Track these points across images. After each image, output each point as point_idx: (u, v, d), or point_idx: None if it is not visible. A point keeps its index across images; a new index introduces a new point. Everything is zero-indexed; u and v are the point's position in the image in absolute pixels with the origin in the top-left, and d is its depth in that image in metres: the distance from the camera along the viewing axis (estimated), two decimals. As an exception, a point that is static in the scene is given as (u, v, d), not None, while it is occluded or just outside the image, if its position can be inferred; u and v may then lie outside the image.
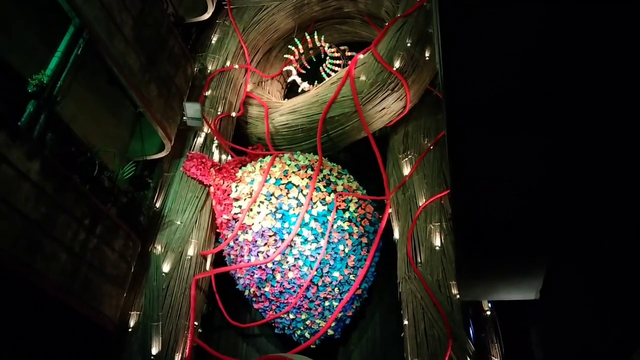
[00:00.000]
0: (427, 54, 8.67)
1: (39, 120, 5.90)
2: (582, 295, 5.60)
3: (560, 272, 5.51)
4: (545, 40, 3.42)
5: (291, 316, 7.74)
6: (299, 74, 10.38)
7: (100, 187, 6.84)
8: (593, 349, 5.51)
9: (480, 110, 3.87)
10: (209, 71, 9.55)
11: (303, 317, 7.71)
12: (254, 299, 7.98)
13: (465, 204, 4.75)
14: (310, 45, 10.45)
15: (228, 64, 9.74)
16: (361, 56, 9.03)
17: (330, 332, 7.67)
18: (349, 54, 10.10)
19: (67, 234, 6.16)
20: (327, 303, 7.67)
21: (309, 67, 10.67)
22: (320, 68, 10.31)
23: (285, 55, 10.54)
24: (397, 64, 8.54)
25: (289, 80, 10.47)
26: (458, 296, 6.81)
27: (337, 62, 10.21)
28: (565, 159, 4.19)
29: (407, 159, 8.52)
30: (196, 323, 7.53)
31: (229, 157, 9.05)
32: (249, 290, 7.93)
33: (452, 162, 4.41)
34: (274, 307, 7.82)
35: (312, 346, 7.62)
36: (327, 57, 10.32)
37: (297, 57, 10.45)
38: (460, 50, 3.59)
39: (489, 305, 7.17)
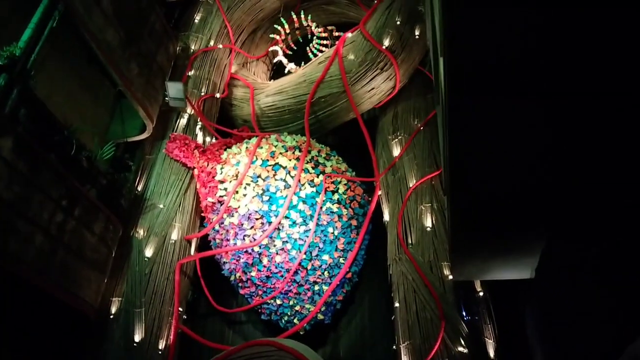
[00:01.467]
0: (417, 33, 8.47)
1: (11, 95, 5.57)
2: (580, 274, 5.46)
3: (556, 250, 5.37)
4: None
5: (278, 302, 7.52)
6: (285, 55, 10.10)
7: (78, 168, 6.52)
8: (592, 332, 5.38)
9: (481, 76, 3.66)
10: (192, 51, 9.24)
11: (291, 302, 7.50)
12: (239, 284, 7.74)
13: (460, 174, 4.56)
14: (296, 25, 10.18)
15: (212, 43, 9.44)
16: (349, 35, 8.80)
17: (320, 316, 7.47)
18: (337, 34, 9.84)
19: (43, 216, 5.85)
20: (316, 287, 7.46)
21: (295, 48, 10.41)
22: (308, 48, 10.05)
23: (271, 35, 10.26)
24: (386, 43, 8.32)
25: (275, 60, 10.19)
26: (450, 277, 6.66)
27: (325, 42, 9.96)
28: (567, 128, 4.02)
29: (396, 140, 8.33)
30: (180, 309, 7.28)
31: (214, 140, 8.78)
32: (235, 275, 7.69)
33: (449, 132, 4.20)
34: (260, 292, 7.59)
35: (300, 332, 7.42)
36: (314, 37, 10.06)
37: (283, 38, 10.16)
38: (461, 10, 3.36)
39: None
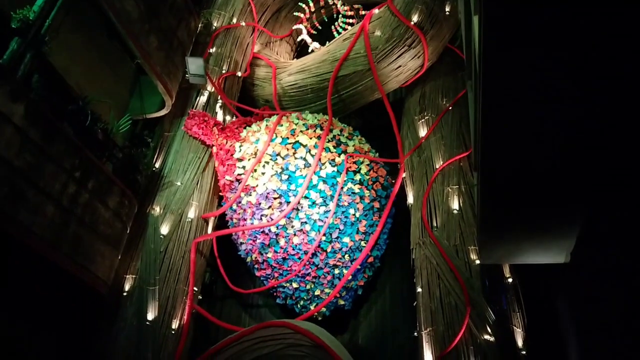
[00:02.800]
0: (447, 9, 8.05)
1: (23, 60, 5.42)
2: (618, 260, 5.04)
3: (593, 232, 4.95)
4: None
5: (294, 285, 7.25)
6: (310, 35, 9.81)
7: (93, 139, 6.36)
8: (629, 322, 4.96)
9: (521, 40, 3.32)
10: (214, 28, 9.02)
11: (308, 287, 7.21)
12: (256, 266, 7.50)
13: (492, 145, 4.21)
14: (322, 4, 9.87)
15: (234, 21, 9.20)
16: (376, 11, 8.45)
17: (341, 302, 7.17)
18: (363, 13, 9.50)
19: (55, 186, 5.71)
20: (336, 271, 7.15)
21: (320, 27, 10.10)
22: (333, 27, 9.74)
23: (296, 13, 9.97)
24: (415, 18, 7.94)
25: (299, 39, 9.91)
26: (477, 261, 6.27)
27: (351, 20, 9.63)
28: (606, 99, 3.64)
29: (423, 120, 7.95)
30: (195, 289, 7.08)
31: (234, 119, 8.55)
32: (251, 256, 7.45)
33: (482, 100, 3.86)
34: (276, 274, 7.33)
35: (318, 317, 7.13)
36: (340, 15, 9.73)
37: (307, 16, 9.87)
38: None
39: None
